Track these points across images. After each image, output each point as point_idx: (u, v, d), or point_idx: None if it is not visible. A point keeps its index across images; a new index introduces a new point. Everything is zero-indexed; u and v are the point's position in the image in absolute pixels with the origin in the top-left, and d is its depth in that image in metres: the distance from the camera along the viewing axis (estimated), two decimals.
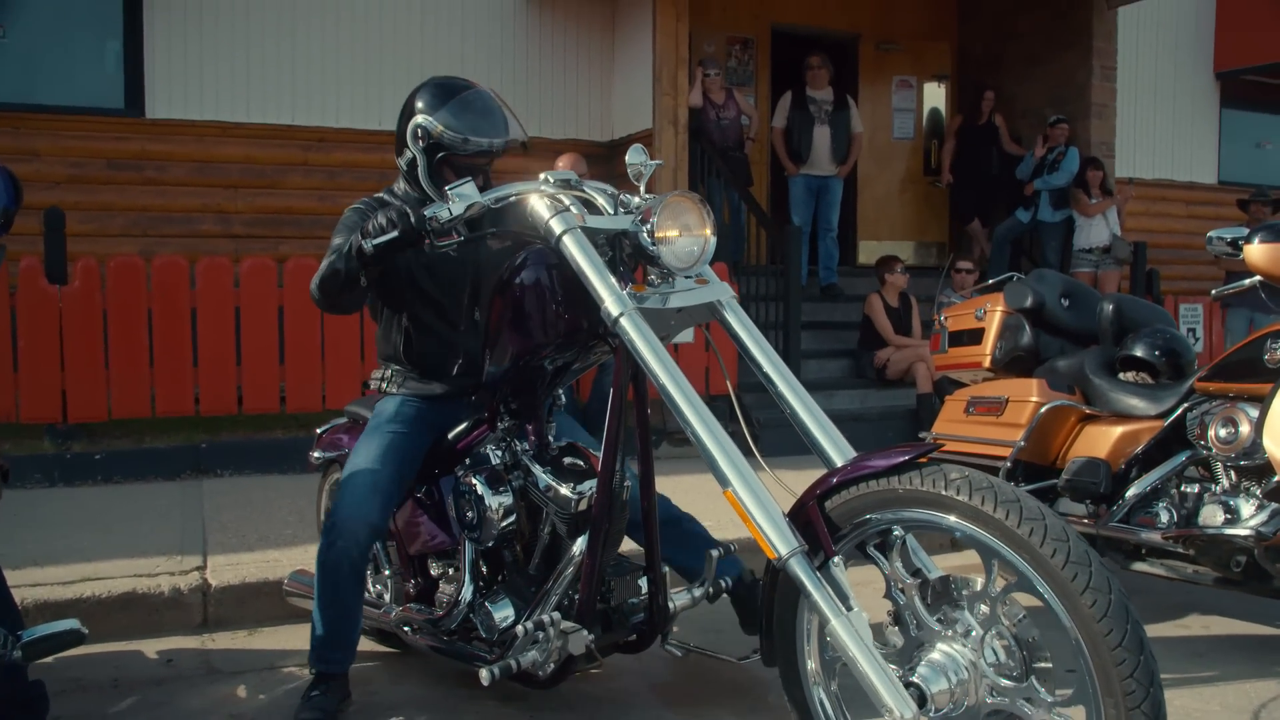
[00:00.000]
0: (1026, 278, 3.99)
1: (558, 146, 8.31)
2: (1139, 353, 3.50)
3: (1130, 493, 3.21)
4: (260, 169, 7.54)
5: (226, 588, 3.49)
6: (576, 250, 2.15)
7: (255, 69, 7.43)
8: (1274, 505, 2.78)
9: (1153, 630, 3.32)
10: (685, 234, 2.18)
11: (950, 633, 1.76)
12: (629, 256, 2.25)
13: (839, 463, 1.97)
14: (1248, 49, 10.33)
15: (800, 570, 1.80)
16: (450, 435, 2.71)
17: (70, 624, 1.87)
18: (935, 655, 1.75)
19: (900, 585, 1.80)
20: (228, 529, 4.19)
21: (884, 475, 1.79)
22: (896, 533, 1.81)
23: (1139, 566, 3.22)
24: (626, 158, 2.46)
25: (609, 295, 2.08)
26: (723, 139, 7.83)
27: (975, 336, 3.99)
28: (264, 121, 7.49)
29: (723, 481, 1.90)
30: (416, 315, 2.72)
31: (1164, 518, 3.11)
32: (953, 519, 1.73)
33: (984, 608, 1.72)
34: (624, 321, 2.06)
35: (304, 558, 3.75)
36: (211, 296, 5.61)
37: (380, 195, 2.81)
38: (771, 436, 6.62)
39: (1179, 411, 3.20)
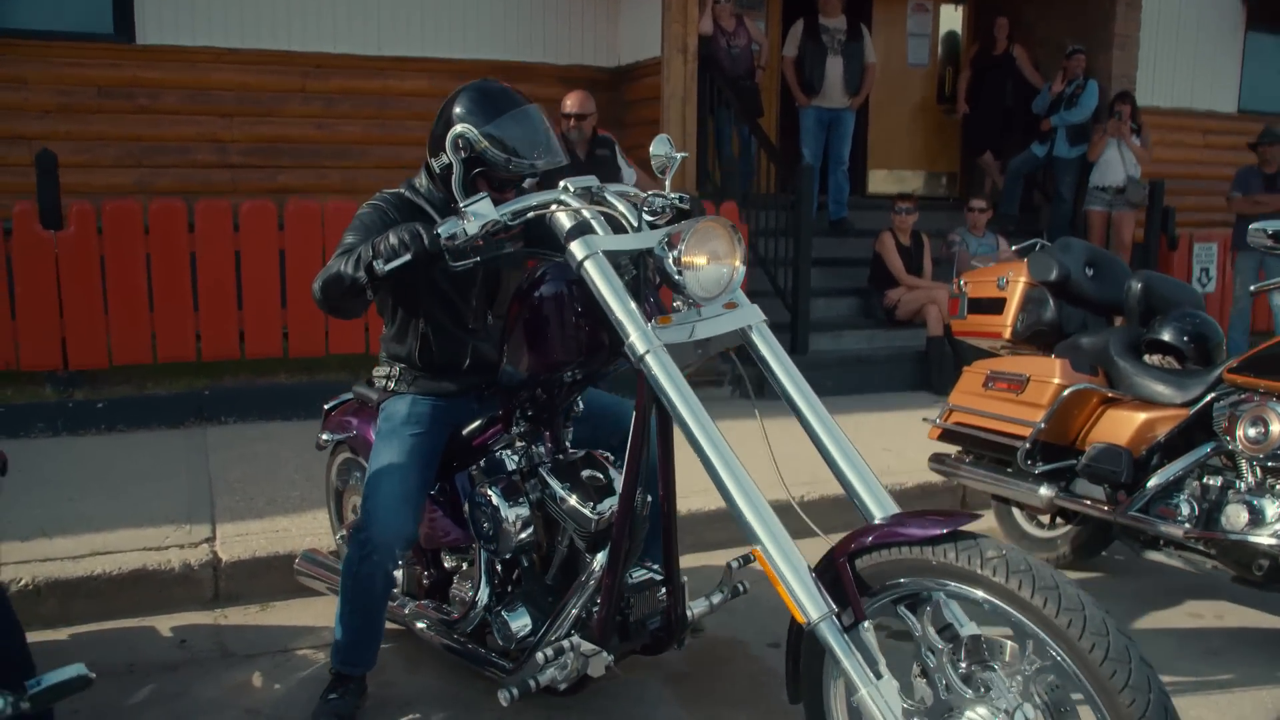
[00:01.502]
0: (1052, 247, 3.88)
1: (563, 73, 8.09)
2: (1166, 337, 3.42)
3: (1151, 482, 3.16)
4: (256, 96, 7.33)
5: (237, 563, 3.46)
6: (599, 278, 2.05)
7: None
8: None
9: (1166, 620, 3.33)
10: (713, 261, 2.07)
11: (979, 695, 1.72)
12: (653, 273, 2.14)
13: (877, 515, 1.90)
14: None
15: (830, 636, 1.75)
16: (465, 432, 2.64)
17: (77, 670, 1.83)
18: None
19: (931, 649, 1.76)
20: (235, 490, 4.15)
21: (917, 545, 1.72)
22: (931, 595, 1.75)
23: (1156, 556, 3.20)
24: (651, 149, 2.37)
25: (634, 331, 1.99)
26: (733, 68, 7.59)
27: (996, 305, 3.89)
28: (259, 47, 7.26)
29: (751, 538, 1.84)
30: (433, 318, 2.63)
31: (1185, 510, 3.07)
32: (988, 595, 1.67)
33: (1018, 680, 1.68)
34: (649, 359, 1.98)
35: (313, 525, 3.74)
36: (211, 240, 5.49)
37: (400, 190, 2.68)
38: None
39: (1205, 401, 3.14)
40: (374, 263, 2.22)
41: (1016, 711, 1.66)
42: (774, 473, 2.16)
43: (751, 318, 2.16)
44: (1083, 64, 8.18)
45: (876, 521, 1.87)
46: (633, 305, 2.03)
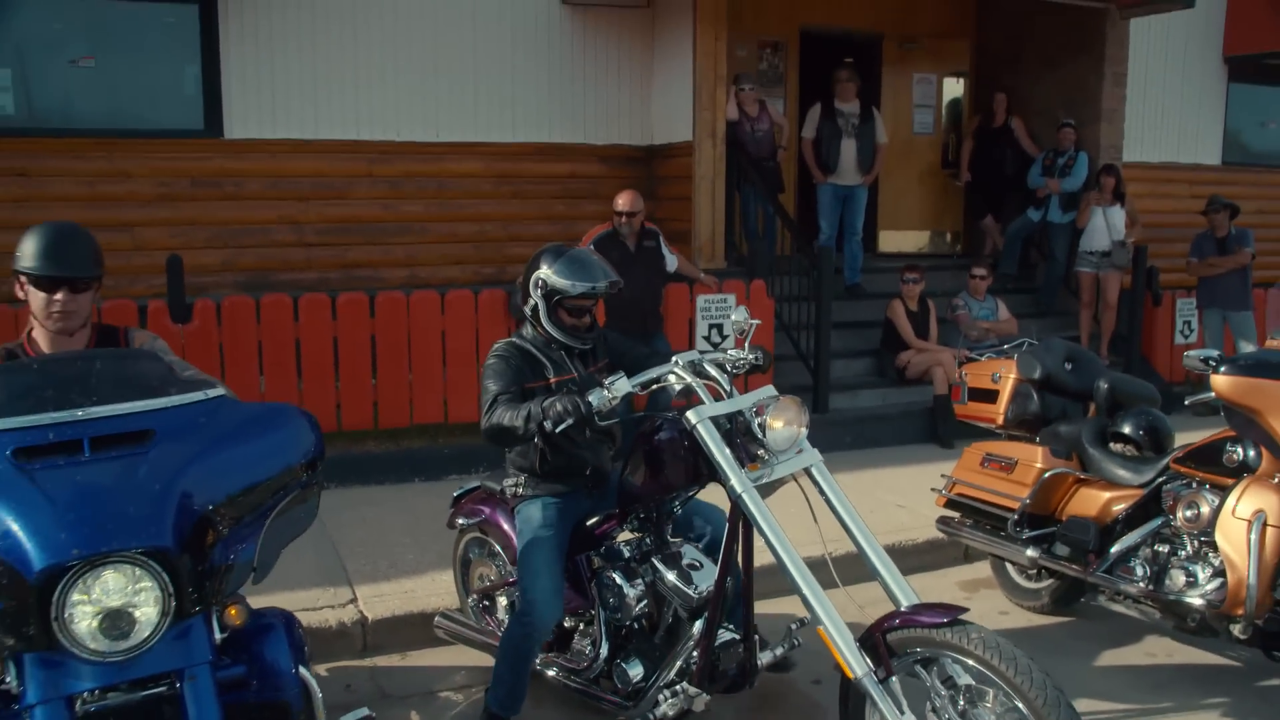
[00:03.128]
0: (1037, 347, 4.69)
1: (601, 152, 8.96)
2: (1126, 430, 4.24)
3: (1114, 549, 3.98)
4: (329, 181, 8.19)
5: (380, 620, 4.30)
6: (707, 437, 2.89)
7: (322, 89, 8.03)
8: (1222, 579, 3.55)
9: (1125, 657, 4.16)
10: (787, 426, 2.90)
11: None
12: (741, 428, 2.97)
13: (902, 601, 2.73)
14: (1257, 36, 10.66)
15: (870, 687, 2.58)
16: (588, 524, 3.47)
17: (364, 711, 2.61)
18: None
19: (937, 694, 2.59)
20: (358, 554, 4.99)
21: (928, 628, 2.55)
22: (937, 658, 2.58)
23: (1118, 608, 4.03)
24: (732, 318, 3.20)
25: (734, 477, 2.84)
26: (757, 150, 8.43)
27: (990, 396, 4.71)
28: (332, 137, 8.11)
29: (816, 620, 2.68)
30: (550, 439, 3.44)
31: (1139, 572, 3.88)
32: (972, 664, 2.50)
33: (995, 715, 2.50)
34: (744, 497, 2.82)
35: (431, 586, 4.57)
36: (312, 327, 6.35)
37: (512, 340, 3.50)
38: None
39: (1156, 484, 3.95)
40: (544, 423, 3.05)
41: None
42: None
43: (813, 459, 3.00)
44: (1072, 137, 9.02)
45: (902, 608, 2.70)
46: (730, 454, 2.87)
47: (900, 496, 6.02)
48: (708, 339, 7.26)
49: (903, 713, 2.56)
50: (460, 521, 4.00)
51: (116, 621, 2.04)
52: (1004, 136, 9.52)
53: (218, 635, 2.30)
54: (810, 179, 8.95)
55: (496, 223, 8.68)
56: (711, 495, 3.27)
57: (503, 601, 3.85)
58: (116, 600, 2.03)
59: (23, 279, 2.85)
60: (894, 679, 2.61)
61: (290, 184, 8.08)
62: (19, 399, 2.24)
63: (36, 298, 2.85)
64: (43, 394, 2.26)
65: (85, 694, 2.12)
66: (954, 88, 10.45)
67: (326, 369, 6.41)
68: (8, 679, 2.15)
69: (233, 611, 2.35)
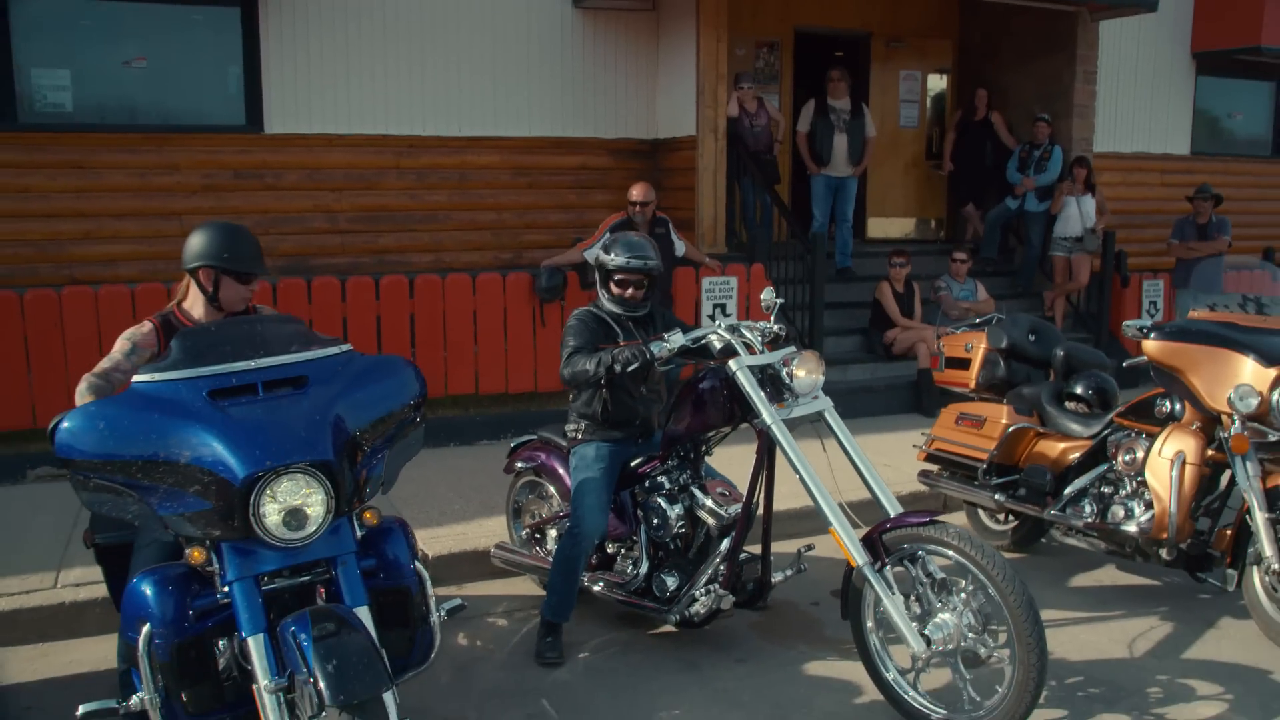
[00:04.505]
0: (1005, 320, 5.41)
1: (609, 145, 9.62)
2: (1078, 390, 4.97)
3: (1066, 491, 4.70)
4: (361, 173, 8.82)
5: (439, 557, 4.98)
6: (744, 380, 3.61)
7: (355, 87, 8.66)
8: (1152, 511, 4.27)
9: (1077, 582, 4.91)
10: (809, 375, 3.62)
11: (944, 607, 3.27)
12: (771, 377, 3.68)
13: (892, 513, 3.46)
14: (1224, 32, 11.34)
15: (868, 572, 3.32)
16: (632, 464, 4.17)
17: (456, 600, 3.29)
18: (936, 620, 3.27)
19: (920, 584, 3.31)
20: (411, 505, 5.67)
21: (914, 527, 3.28)
22: (919, 554, 3.32)
23: (1070, 541, 4.75)
24: (761, 296, 3.91)
25: (764, 410, 3.55)
26: (755, 144, 9.11)
27: (964, 364, 5.43)
28: (363, 132, 8.75)
29: (827, 522, 3.40)
30: (612, 388, 4.12)
31: (1087, 509, 4.61)
32: (951, 552, 3.23)
33: (964, 596, 3.23)
34: (773, 428, 3.53)
35: (479, 530, 5.26)
36: (358, 308, 7.03)
37: (589, 308, 4.20)
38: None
39: (1102, 435, 4.68)
40: (613, 366, 3.77)
41: (963, 615, 3.22)
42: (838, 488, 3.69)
43: (826, 404, 3.71)
44: (1047, 131, 9.72)
45: (891, 516, 3.43)
46: (764, 397, 3.57)
47: (886, 457, 6.73)
48: (711, 318, 7.95)
49: (893, 593, 3.29)
50: (519, 465, 4.69)
51: (295, 516, 2.71)
52: (984, 129, 10.22)
53: (358, 533, 2.95)
54: (804, 170, 9.63)
55: (513, 211, 9.34)
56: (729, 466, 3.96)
57: (552, 533, 4.55)
58: (295, 500, 2.70)
59: (220, 274, 3.44)
60: (887, 568, 3.35)
61: (325, 176, 8.70)
62: (206, 353, 2.90)
63: (235, 288, 3.49)
64: (223, 349, 2.93)
65: (262, 576, 2.80)
66: (937, 83, 11.15)
67: (370, 345, 7.08)
68: (208, 566, 2.83)
69: (368, 515, 3.00)
